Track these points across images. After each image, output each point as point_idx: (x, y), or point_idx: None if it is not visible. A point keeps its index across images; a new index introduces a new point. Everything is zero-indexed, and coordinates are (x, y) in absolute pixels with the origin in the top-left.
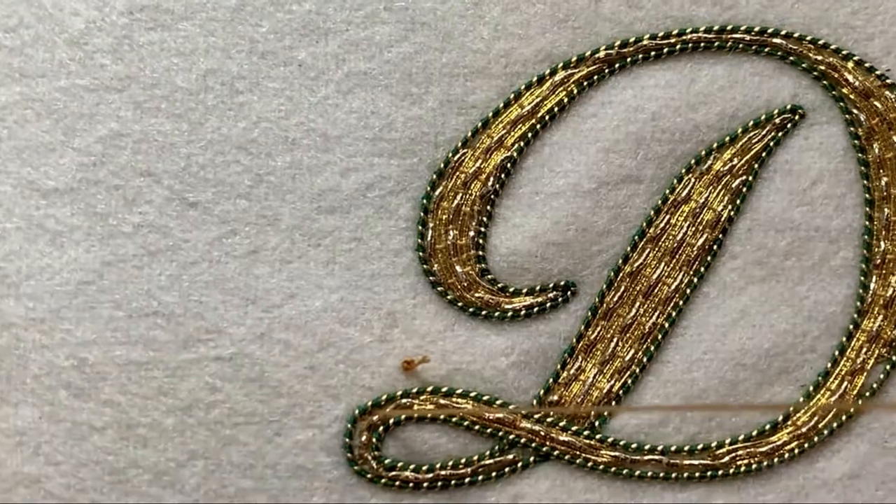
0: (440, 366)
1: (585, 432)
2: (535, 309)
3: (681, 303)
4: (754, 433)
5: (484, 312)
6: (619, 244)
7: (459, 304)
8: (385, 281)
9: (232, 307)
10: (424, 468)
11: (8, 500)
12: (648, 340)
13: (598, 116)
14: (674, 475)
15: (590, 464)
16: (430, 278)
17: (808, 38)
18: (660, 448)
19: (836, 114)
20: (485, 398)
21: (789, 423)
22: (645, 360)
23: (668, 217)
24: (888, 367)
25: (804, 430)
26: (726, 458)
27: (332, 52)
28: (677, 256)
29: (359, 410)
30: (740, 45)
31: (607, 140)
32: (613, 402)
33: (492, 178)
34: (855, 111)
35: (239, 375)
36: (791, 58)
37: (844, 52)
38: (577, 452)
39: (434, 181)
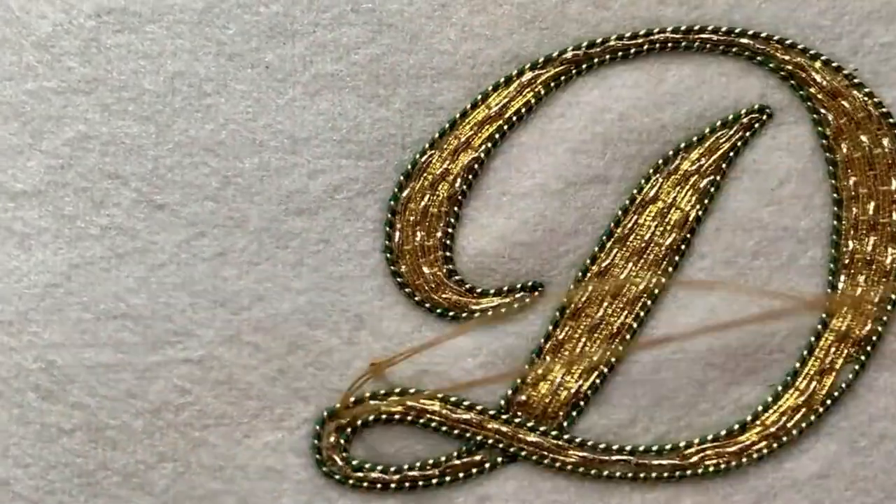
0: (407, 367)
1: (553, 433)
2: (503, 309)
3: (649, 303)
4: (723, 433)
5: (452, 313)
6: (587, 244)
7: (427, 305)
8: (353, 283)
9: (200, 309)
10: (392, 469)
11: None
12: (616, 340)
13: (566, 117)
14: (642, 475)
15: (558, 464)
16: (398, 280)
17: (776, 38)
18: (628, 448)
19: (804, 114)
20: (452, 399)
21: (758, 422)
22: (613, 360)
23: (635, 217)
24: (857, 366)
25: (773, 429)
26: (695, 459)
27: (300, 54)
28: (645, 256)
29: (327, 412)
30: (708, 46)
31: (575, 140)
32: (582, 403)
33: (459, 179)
34: (823, 111)
35: (208, 378)
36: (758, 58)
37: (812, 52)
38: (545, 453)
39: (401, 182)
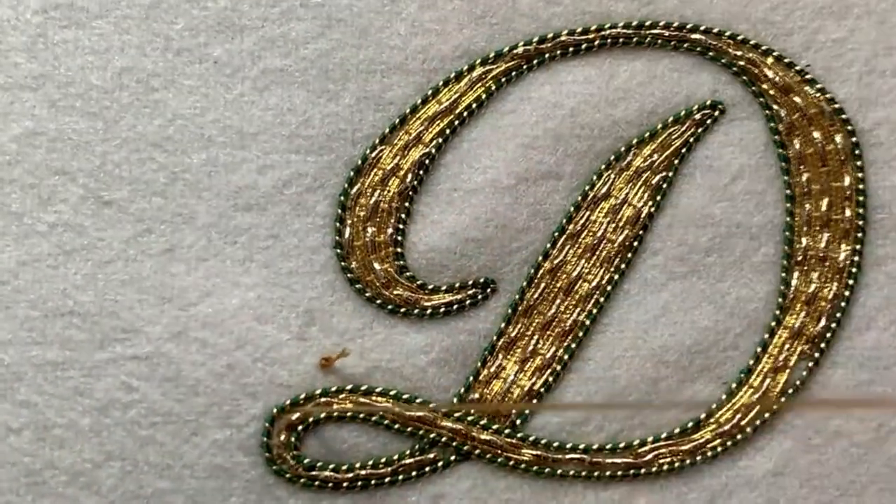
0: (359, 364)
1: (507, 431)
2: (455, 306)
3: (601, 300)
4: (677, 431)
5: (403, 310)
6: (539, 241)
7: (378, 301)
8: (302, 278)
9: (148, 306)
10: (344, 468)
11: None
12: (569, 338)
13: (517, 112)
14: (596, 474)
15: (511, 463)
16: (348, 276)
17: (728, 33)
18: (582, 447)
19: (756, 109)
20: (404, 396)
21: (712, 420)
22: (566, 357)
23: (587, 213)
24: (810, 363)
25: (727, 427)
26: (649, 457)
27: (248, 48)
28: (597, 253)
29: (277, 409)
30: (659, 41)
31: (526, 136)
32: (535, 400)
33: (410, 175)
34: (775, 107)
35: (155, 375)
36: (710, 53)
37: (764, 48)
38: (499, 451)
39: (352, 178)
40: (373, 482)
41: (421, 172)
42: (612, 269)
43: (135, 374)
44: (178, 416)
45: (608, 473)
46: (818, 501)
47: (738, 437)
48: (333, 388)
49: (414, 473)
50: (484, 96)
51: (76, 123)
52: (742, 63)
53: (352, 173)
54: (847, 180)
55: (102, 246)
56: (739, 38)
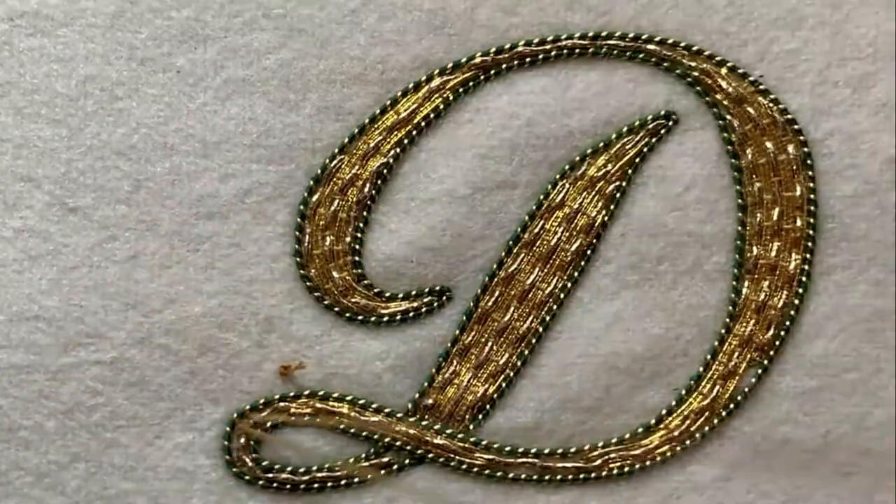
0: (317, 370)
1: (460, 435)
2: (411, 314)
3: (555, 307)
4: (627, 436)
5: (360, 317)
6: (494, 249)
7: (336, 309)
8: (263, 286)
9: (112, 312)
10: (301, 470)
11: None
12: (523, 344)
13: (474, 122)
14: (547, 478)
15: (464, 466)
16: (307, 284)
17: (682, 44)
18: (533, 451)
19: (710, 119)
20: (361, 402)
21: (662, 426)
22: (519, 363)
23: (542, 222)
24: (760, 371)
25: (676, 433)
26: (599, 461)
27: (211, 58)
28: (552, 261)
29: (237, 414)
30: (615, 52)
31: (483, 146)
32: (488, 406)
33: (368, 184)
34: (728, 117)
35: (120, 379)
36: (665, 64)
37: (718, 59)
38: (452, 455)
39: (311, 187)
40: (329, 484)
41: (379, 182)
42: (565, 277)
43: (99, 378)
44: (142, 420)
45: (559, 477)
46: None
47: (688, 442)
48: (292, 394)
49: (369, 476)
50: (442, 106)
51: (41, 131)
52: (696, 74)
53: (311, 183)
54: (798, 190)
55: (67, 252)
56: (694, 48)
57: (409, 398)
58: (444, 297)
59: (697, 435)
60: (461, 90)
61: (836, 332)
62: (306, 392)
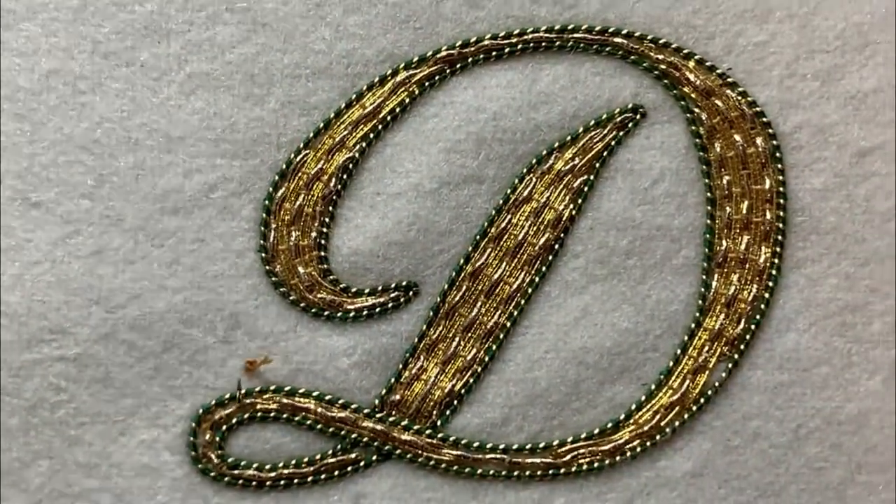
0: (283, 366)
1: (428, 431)
2: (378, 309)
3: (522, 302)
4: (596, 432)
5: (326, 313)
6: (461, 244)
7: (302, 304)
8: (228, 282)
9: (76, 307)
10: (267, 467)
11: None
12: (490, 339)
13: (440, 116)
14: (516, 474)
15: (432, 463)
16: (273, 279)
17: (650, 37)
18: (502, 447)
19: (678, 113)
20: (327, 398)
21: (631, 421)
22: (487, 359)
23: (509, 216)
24: (730, 365)
25: (646, 428)
26: (568, 457)
27: (175, 52)
28: (519, 256)
29: (203, 410)
30: (581, 45)
31: (449, 140)
32: (456, 402)
33: (334, 179)
34: (696, 110)
35: (84, 376)
36: (632, 57)
37: (685, 52)
38: (420, 451)
39: (276, 182)
40: (295, 481)
41: (345, 176)
42: (533, 272)
43: (63, 374)
44: (107, 417)
45: (528, 473)
46: (737, 502)
47: (658, 437)
48: (258, 389)
49: (336, 473)
50: (407, 100)
51: (4, 125)
52: (664, 67)
53: (276, 177)
54: (767, 183)
55: (30, 247)
56: (661, 41)
57: (375, 394)
58: (411, 293)
59: (667, 430)
60: (427, 84)
61: (806, 326)
62: (272, 388)
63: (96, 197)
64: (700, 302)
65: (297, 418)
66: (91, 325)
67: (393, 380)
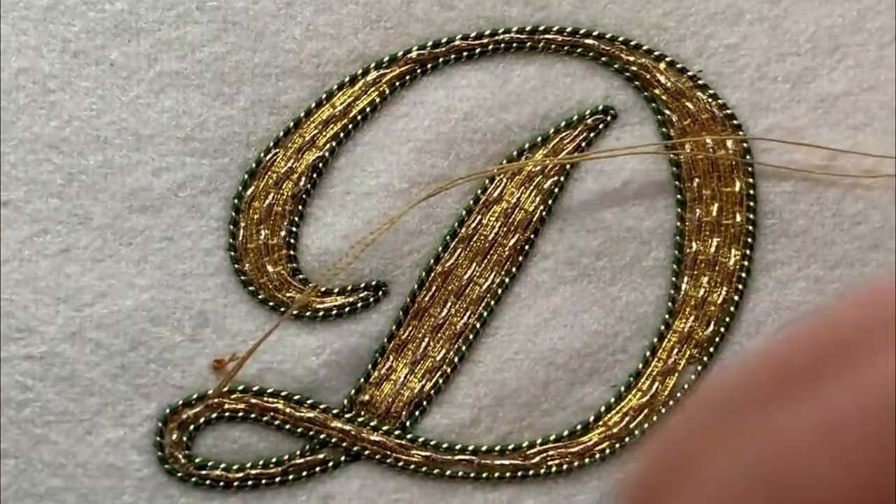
0: (251, 365)
1: (396, 432)
2: (347, 309)
3: (492, 303)
4: (566, 433)
5: (295, 312)
6: (431, 244)
7: (271, 303)
8: (196, 280)
9: (43, 306)
10: (235, 467)
11: None
12: (460, 340)
13: (410, 116)
14: (485, 475)
15: (401, 464)
16: (242, 278)
17: (621, 38)
18: (471, 448)
19: (649, 114)
20: (296, 398)
21: (601, 423)
22: (456, 359)
23: (479, 217)
24: (700, 367)
25: (615, 430)
26: (537, 459)
27: (144, 51)
28: (489, 256)
29: (170, 409)
30: (552, 46)
31: (419, 140)
32: (425, 402)
33: (304, 178)
34: (667, 112)
35: (50, 374)
36: (603, 58)
37: (657, 53)
38: (388, 452)
39: (246, 181)
40: (263, 482)
41: (314, 176)
42: (503, 273)
43: (29, 373)
44: (73, 416)
45: (497, 475)
46: None
47: (627, 440)
48: (225, 389)
49: (304, 474)
50: (378, 100)
51: None
52: (634, 68)
53: (246, 176)
54: (738, 186)
55: None
56: (632, 43)
57: (344, 394)
58: (381, 293)
59: (637, 432)
60: (397, 84)
61: (776, 329)
62: (240, 387)
63: (65, 195)
64: (670, 304)
65: (265, 418)
66: (58, 323)
67: (362, 380)
